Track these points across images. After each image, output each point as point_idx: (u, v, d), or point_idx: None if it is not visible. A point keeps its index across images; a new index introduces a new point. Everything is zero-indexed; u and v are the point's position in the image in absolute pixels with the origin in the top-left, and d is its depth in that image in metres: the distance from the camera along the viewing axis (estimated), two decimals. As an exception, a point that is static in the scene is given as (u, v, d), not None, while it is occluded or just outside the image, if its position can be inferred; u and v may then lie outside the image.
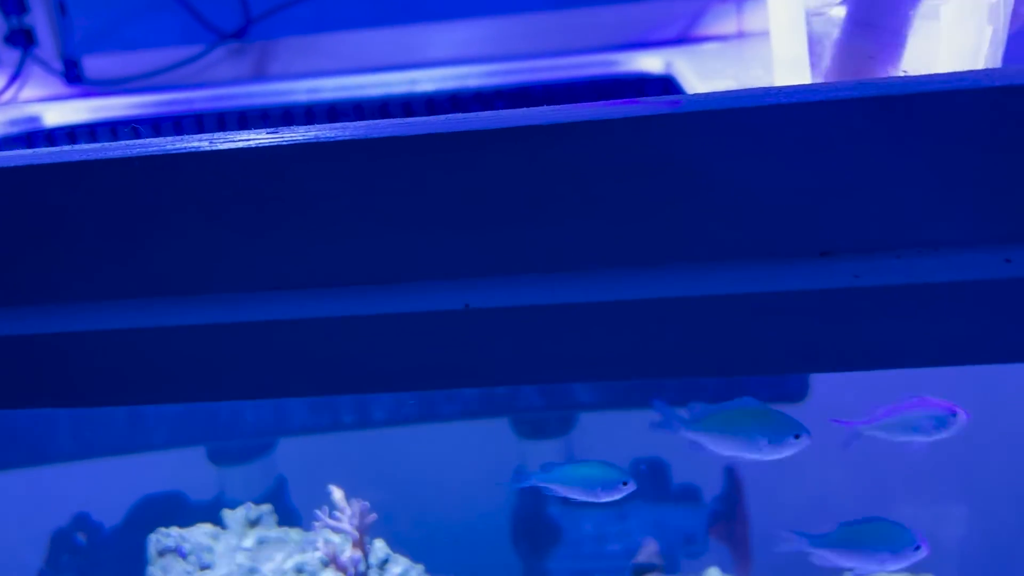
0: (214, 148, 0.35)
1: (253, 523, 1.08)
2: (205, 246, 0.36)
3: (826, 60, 0.61)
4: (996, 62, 0.53)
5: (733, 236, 0.35)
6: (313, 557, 1.04)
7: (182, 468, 1.24)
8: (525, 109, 0.35)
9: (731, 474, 1.11)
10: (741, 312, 0.35)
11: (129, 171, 0.35)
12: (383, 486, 1.07)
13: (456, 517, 1.10)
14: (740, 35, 1.04)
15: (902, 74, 0.56)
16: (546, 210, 0.35)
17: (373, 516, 1.02)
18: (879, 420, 0.77)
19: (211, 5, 1.06)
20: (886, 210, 0.34)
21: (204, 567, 1.03)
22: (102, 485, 1.19)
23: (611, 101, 0.34)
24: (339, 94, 1.04)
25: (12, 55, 1.07)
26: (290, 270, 0.36)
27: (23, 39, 1.07)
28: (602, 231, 0.35)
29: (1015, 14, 0.57)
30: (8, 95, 1.08)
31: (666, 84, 0.99)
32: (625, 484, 0.77)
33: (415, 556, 1.05)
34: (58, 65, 1.08)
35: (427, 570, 1.05)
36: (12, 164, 0.36)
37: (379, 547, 1.05)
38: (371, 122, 0.35)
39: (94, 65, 1.09)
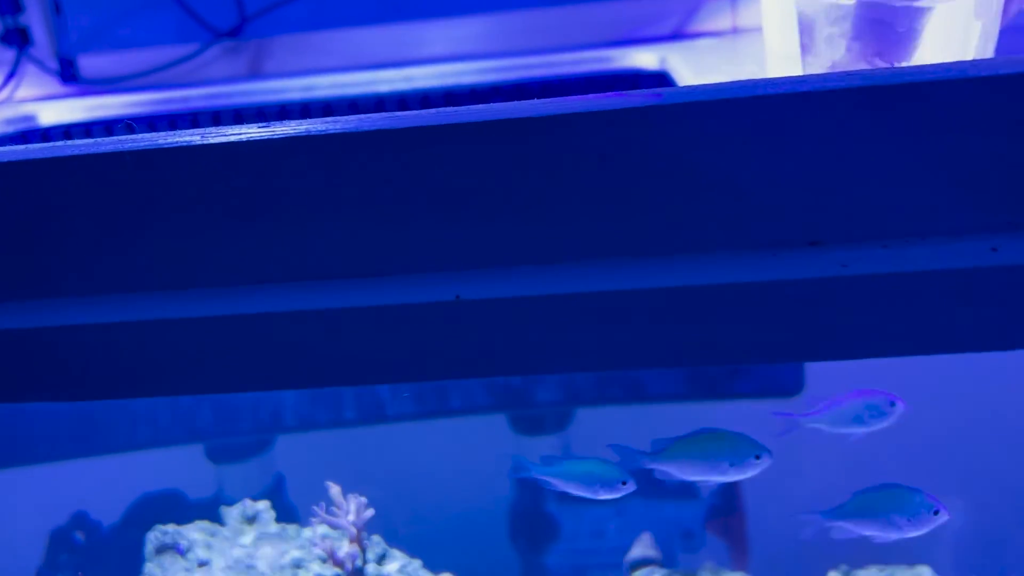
0: (206, 142, 0.35)
1: (251, 520, 1.09)
2: (198, 239, 0.36)
3: (823, 54, 0.61)
4: (988, 56, 0.54)
5: (722, 226, 0.35)
6: (311, 553, 1.04)
7: (180, 466, 1.24)
8: (514, 102, 0.35)
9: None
10: (730, 302, 0.36)
11: (122, 166, 0.36)
12: (380, 482, 1.07)
13: (453, 512, 1.10)
14: (734, 31, 1.05)
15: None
16: (535, 202, 0.35)
17: (371, 512, 1.02)
18: (821, 413, 0.78)
19: (206, 3, 1.06)
20: (874, 200, 0.34)
21: (202, 564, 1.03)
22: (100, 483, 1.19)
23: (597, 94, 0.34)
24: (334, 92, 1.04)
25: (7, 54, 1.07)
26: (283, 263, 0.37)
27: (18, 38, 1.07)
28: (591, 222, 0.35)
29: (1005, 11, 0.57)
30: (4, 95, 1.08)
31: (661, 80, 0.99)
32: (624, 484, 0.77)
33: (412, 551, 1.06)
34: (53, 64, 1.08)
35: (424, 565, 1.05)
36: (4, 159, 0.36)
37: (376, 542, 1.05)
38: (361, 115, 0.35)
39: (89, 64, 1.09)
